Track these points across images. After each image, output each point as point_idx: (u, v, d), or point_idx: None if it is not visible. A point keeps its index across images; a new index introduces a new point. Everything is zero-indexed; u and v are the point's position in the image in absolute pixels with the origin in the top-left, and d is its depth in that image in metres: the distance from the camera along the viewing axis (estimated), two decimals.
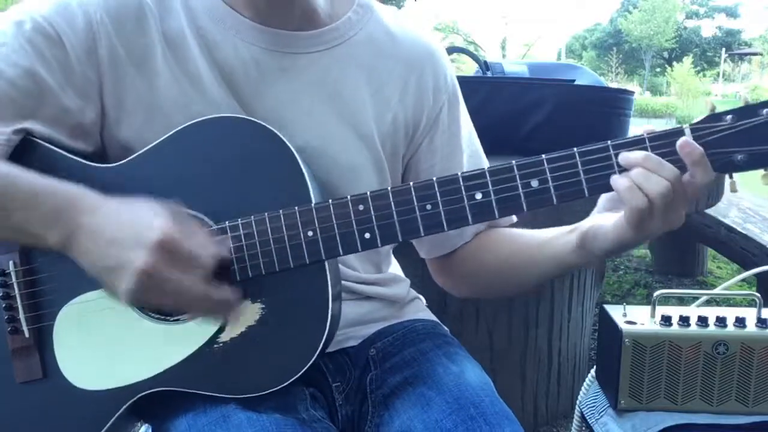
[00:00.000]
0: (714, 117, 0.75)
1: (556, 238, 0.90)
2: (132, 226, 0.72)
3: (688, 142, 0.74)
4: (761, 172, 0.76)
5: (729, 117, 0.75)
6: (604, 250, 0.83)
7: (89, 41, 0.81)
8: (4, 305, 0.82)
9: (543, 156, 0.77)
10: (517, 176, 0.77)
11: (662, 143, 0.76)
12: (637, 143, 0.76)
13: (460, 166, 0.98)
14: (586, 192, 0.77)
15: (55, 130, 0.81)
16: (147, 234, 0.70)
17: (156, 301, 0.74)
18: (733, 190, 0.79)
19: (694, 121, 0.76)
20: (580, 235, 0.85)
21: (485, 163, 1.02)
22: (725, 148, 0.75)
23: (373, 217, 0.78)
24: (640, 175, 0.74)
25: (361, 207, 0.78)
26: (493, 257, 0.98)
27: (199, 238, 0.74)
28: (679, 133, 0.75)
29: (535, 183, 0.76)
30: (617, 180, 0.76)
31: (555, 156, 0.77)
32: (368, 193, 0.78)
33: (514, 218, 1.02)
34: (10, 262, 0.82)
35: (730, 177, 0.78)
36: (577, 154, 0.76)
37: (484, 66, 1.87)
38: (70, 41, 0.80)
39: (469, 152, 1.01)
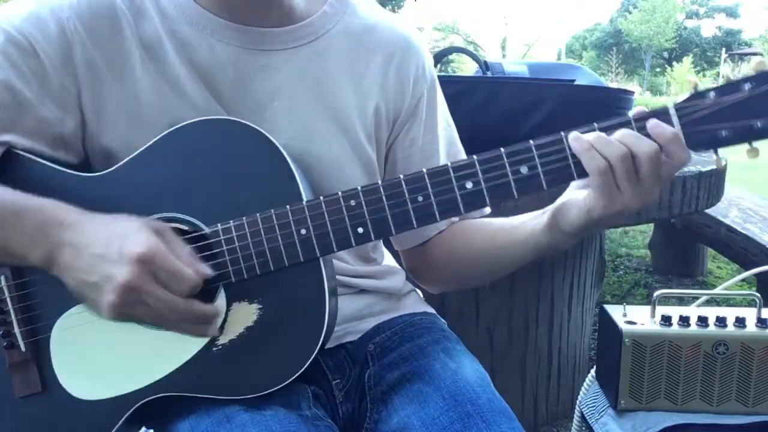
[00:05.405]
0: (698, 95, 0.75)
1: (528, 221, 0.89)
2: (115, 241, 0.71)
3: (658, 124, 0.75)
4: (748, 151, 0.76)
5: (712, 94, 0.75)
6: (575, 226, 0.81)
7: (64, 49, 0.80)
8: None
9: (531, 142, 0.77)
10: (507, 163, 0.77)
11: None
12: (623, 125, 0.76)
13: (436, 156, 0.98)
14: (575, 174, 0.77)
15: (36, 141, 0.81)
16: (130, 249, 0.70)
17: (138, 316, 0.73)
18: (719, 166, 0.77)
19: (678, 100, 0.76)
20: (550, 213, 0.85)
21: (461, 151, 1.03)
22: (710, 125, 0.75)
23: (366, 211, 0.78)
24: (598, 138, 0.75)
25: (352, 202, 0.78)
26: (465, 245, 0.97)
27: (183, 254, 0.74)
28: (664, 113, 0.76)
29: (524, 169, 0.77)
30: (575, 141, 0.75)
31: (543, 141, 0.77)
32: (359, 188, 0.78)
33: (488, 210, 1.02)
34: (2, 276, 0.80)
35: (715, 153, 0.77)
36: (564, 138, 0.76)
37: (484, 66, 1.87)
38: (44, 51, 0.79)
39: (446, 141, 1.01)
